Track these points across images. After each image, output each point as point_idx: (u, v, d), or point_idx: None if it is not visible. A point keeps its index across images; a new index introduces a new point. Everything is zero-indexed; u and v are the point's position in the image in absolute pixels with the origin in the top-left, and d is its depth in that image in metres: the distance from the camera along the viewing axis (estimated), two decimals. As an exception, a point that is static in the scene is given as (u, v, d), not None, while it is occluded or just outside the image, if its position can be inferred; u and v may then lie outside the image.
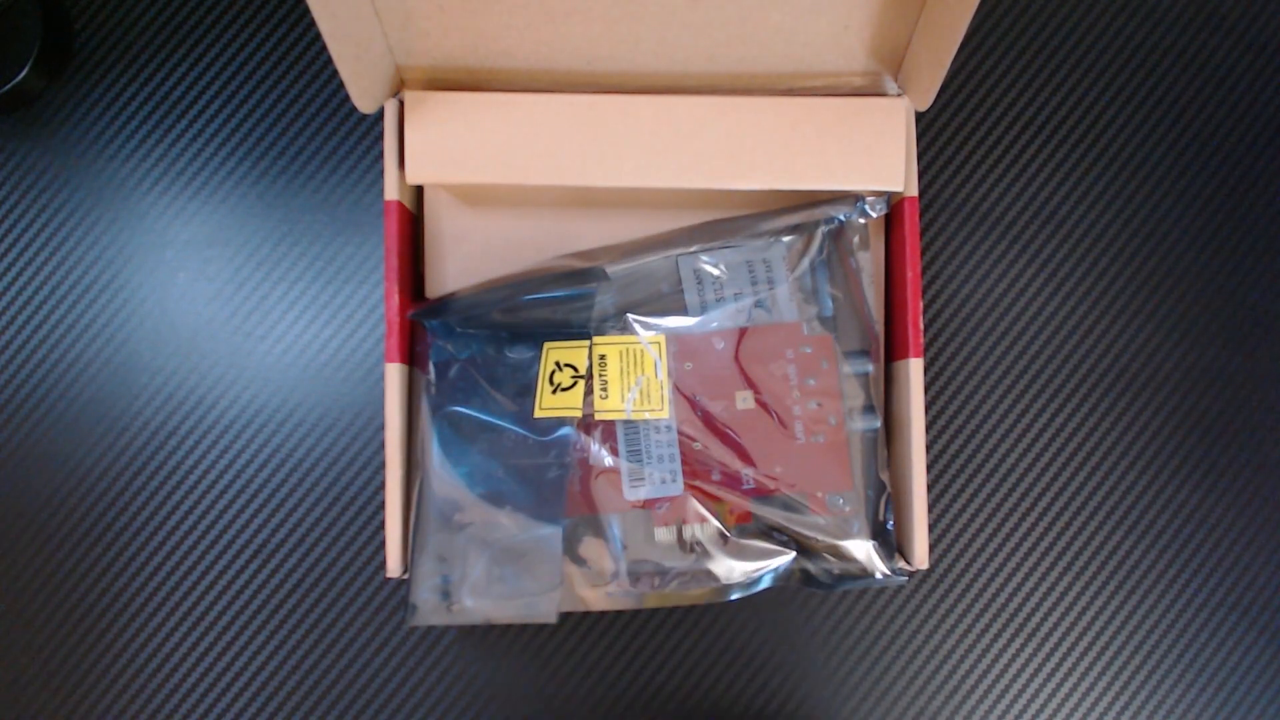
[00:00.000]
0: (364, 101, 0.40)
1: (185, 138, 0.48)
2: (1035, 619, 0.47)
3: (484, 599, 0.39)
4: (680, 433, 0.41)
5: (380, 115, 0.48)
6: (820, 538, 0.41)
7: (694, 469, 0.41)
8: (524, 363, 0.41)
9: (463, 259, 0.43)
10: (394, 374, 0.41)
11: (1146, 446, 0.48)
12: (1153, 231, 0.49)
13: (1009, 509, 0.48)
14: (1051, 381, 0.48)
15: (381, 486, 0.47)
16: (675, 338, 0.41)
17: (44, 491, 0.47)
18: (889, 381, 0.44)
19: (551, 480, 0.40)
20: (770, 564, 0.40)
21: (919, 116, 0.49)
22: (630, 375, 0.41)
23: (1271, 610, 0.47)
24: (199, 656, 0.47)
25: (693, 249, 0.41)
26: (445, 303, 0.42)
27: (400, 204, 0.41)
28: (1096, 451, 0.48)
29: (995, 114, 0.49)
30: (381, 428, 0.47)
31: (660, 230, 0.43)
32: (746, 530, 0.41)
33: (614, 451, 0.41)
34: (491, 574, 0.40)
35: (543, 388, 0.41)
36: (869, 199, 0.41)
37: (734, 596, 0.40)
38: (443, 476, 0.40)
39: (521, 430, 0.40)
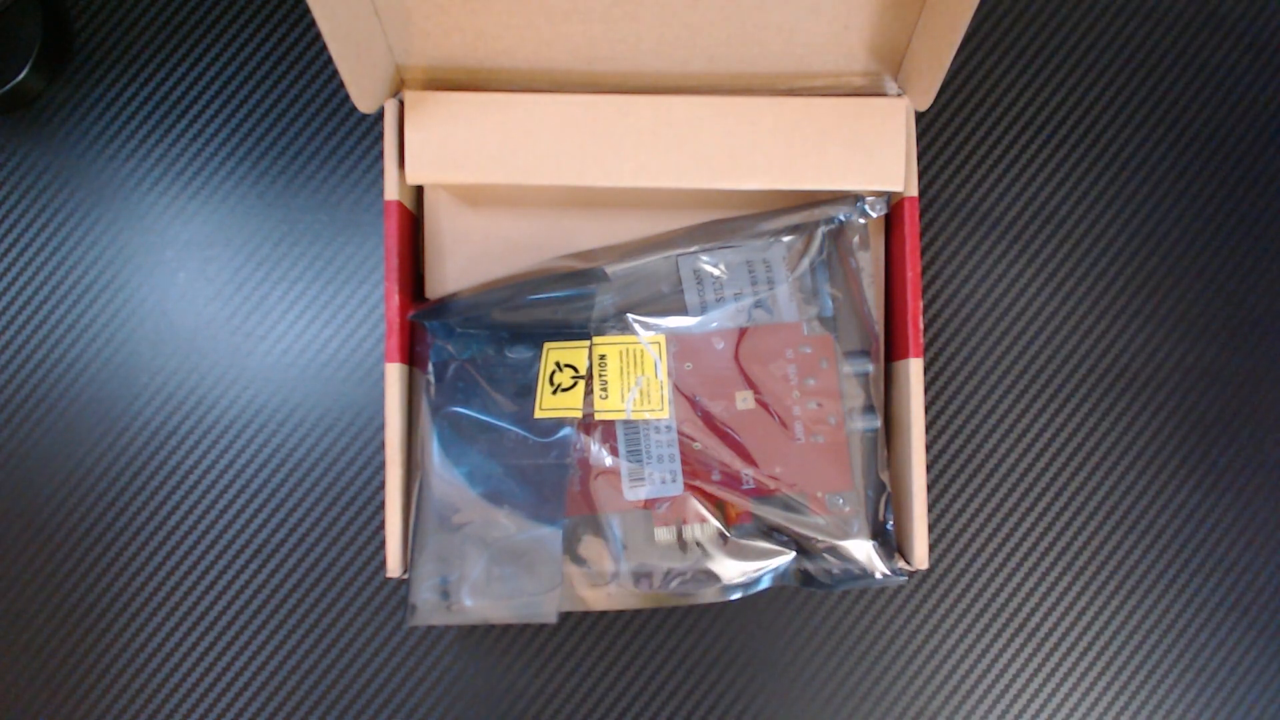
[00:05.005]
0: (364, 101, 0.40)
1: (185, 138, 0.48)
2: (1035, 619, 0.47)
3: (483, 599, 0.39)
4: (680, 433, 0.41)
5: (380, 115, 0.48)
6: (820, 538, 0.41)
7: (694, 469, 0.41)
8: (524, 363, 0.41)
9: (463, 259, 0.43)
10: (394, 374, 0.41)
11: (1146, 446, 0.48)
12: (1153, 231, 0.49)
13: (1009, 509, 0.48)
14: (1051, 381, 0.48)
15: (381, 486, 0.47)
16: (675, 338, 0.41)
17: (44, 491, 0.47)
18: (889, 381, 0.44)
19: (551, 480, 0.40)
20: (770, 564, 0.40)
21: (919, 116, 0.49)
22: (630, 375, 0.41)
23: (1271, 610, 0.47)
24: (199, 656, 0.47)
25: (693, 249, 0.41)
26: (445, 303, 0.42)
27: (400, 204, 0.41)
28: (1096, 451, 0.48)
29: (995, 114, 0.49)
30: (381, 428, 0.47)
31: (660, 230, 0.43)
32: (746, 530, 0.41)
33: (614, 451, 0.41)
34: (491, 574, 0.40)
35: (543, 388, 0.41)
36: (869, 199, 0.41)
37: (734, 596, 0.40)
38: (443, 476, 0.40)
39: (521, 431, 0.40)
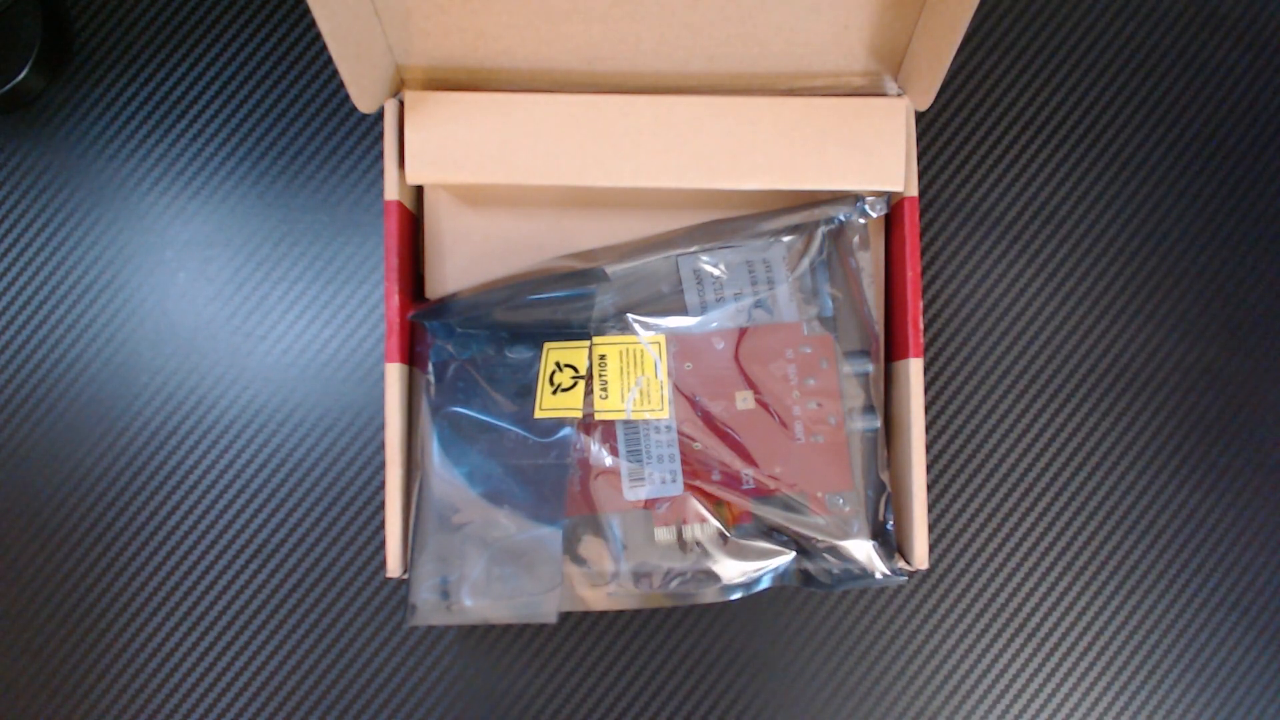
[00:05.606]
0: (364, 101, 0.40)
1: (185, 138, 0.48)
2: (1035, 619, 0.47)
3: (483, 599, 0.39)
4: (680, 433, 0.41)
5: (380, 115, 0.48)
6: (820, 538, 0.41)
7: (694, 469, 0.41)
8: (524, 363, 0.41)
9: (463, 259, 0.43)
10: (394, 374, 0.41)
11: (1146, 446, 0.48)
12: (1153, 231, 0.49)
13: (1009, 509, 0.48)
14: (1051, 381, 0.48)
15: (381, 486, 0.47)
16: (675, 338, 0.41)
17: (44, 491, 0.47)
18: (889, 381, 0.44)
19: (551, 480, 0.40)
20: (770, 564, 0.40)
21: (919, 116, 0.49)
22: (630, 375, 0.41)
23: (1271, 610, 0.47)
24: (199, 656, 0.47)
25: (693, 249, 0.41)
26: (445, 303, 0.42)
27: (400, 204, 0.41)
28: (1096, 451, 0.48)
29: (995, 114, 0.49)
30: (381, 428, 0.47)
31: (660, 230, 0.43)
32: (746, 530, 0.41)
33: (614, 451, 0.41)
34: (491, 574, 0.40)
35: (543, 388, 0.41)
36: (869, 199, 0.41)
37: (734, 596, 0.40)
38: (443, 476, 0.40)
39: (522, 431, 0.40)
